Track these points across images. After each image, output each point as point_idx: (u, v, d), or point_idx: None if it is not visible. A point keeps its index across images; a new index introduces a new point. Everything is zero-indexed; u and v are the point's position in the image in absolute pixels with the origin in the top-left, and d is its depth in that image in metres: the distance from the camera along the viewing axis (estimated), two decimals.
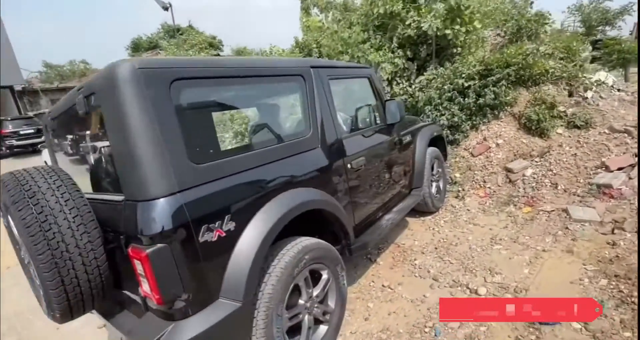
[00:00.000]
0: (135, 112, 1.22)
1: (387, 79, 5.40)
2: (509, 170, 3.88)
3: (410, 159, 3.16)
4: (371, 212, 2.50)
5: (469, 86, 4.51)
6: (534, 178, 3.63)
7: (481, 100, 4.37)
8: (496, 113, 4.50)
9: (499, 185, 3.81)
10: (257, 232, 1.48)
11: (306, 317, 1.78)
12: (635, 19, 12.68)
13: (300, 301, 1.77)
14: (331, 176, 2.05)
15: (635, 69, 7.79)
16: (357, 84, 2.73)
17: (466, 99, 4.49)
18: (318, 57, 7.94)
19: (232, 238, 1.43)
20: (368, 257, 2.96)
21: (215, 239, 1.36)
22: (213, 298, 1.38)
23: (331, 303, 1.96)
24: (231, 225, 1.42)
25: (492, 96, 4.33)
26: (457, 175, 4.22)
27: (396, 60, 5.37)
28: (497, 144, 4.25)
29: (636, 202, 2.88)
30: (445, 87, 4.65)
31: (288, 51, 9.02)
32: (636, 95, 4.30)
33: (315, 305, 1.84)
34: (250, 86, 1.75)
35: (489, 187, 3.85)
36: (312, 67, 2.09)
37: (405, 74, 5.56)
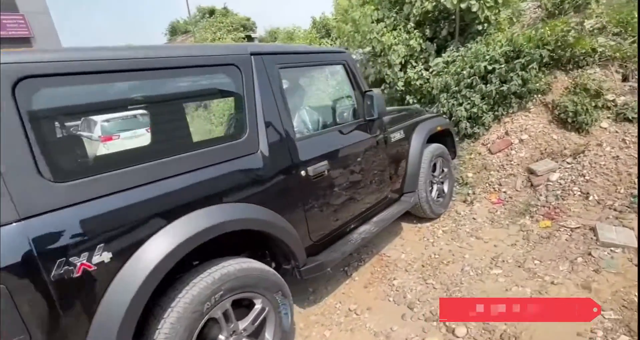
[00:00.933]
0: None
1: (400, 62, 4.80)
2: (531, 172, 3.26)
3: (402, 159, 2.70)
4: (338, 225, 2.14)
5: (493, 70, 3.82)
6: (561, 184, 2.99)
7: (505, 87, 3.69)
8: (523, 102, 3.80)
9: (517, 190, 3.22)
10: (140, 267, 1.21)
11: None
12: None
13: (221, 337, 1.51)
14: (274, 186, 1.72)
15: None
16: (328, 72, 2.32)
17: (488, 85, 3.82)
18: (336, 39, 7.36)
19: (107, 272, 1.18)
20: (344, 269, 2.62)
21: (79, 274, 1.11)
22: None
23: (269, 336, 1.68)
24: (106, 257, 1.16)
25: (520, 82, 3.63)
26: (470, 175, 3.66)
27: (412, 42, 4.73)
28: (521, 140, 3.59)
29: None
30: (465, 71, 3.99)
31: (306, 32, 8.53)
32: None
33: None
34: (150, 82, 1.44)
35: (504, 192, 3.27)
36: (254, 54, 1.71)
37: (422, 56, 4.91)
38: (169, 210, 1.34)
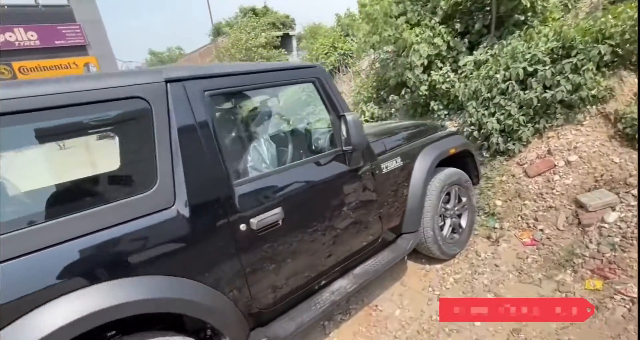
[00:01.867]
0: None
1: (423, 64, 4.16)
2: (580, 205, 2.53)
3: (400, 192, 2.18)
4: (297, 285, 1.71)
5: (534, 73, 3.07)
6: (621, 228, 2.25)
7: (550, 94, 2.93)
8: (573, 113, 3.01)
9: (558, 230, 2.51)
10: None
11: None
12: None
13: None
14: (197, 250, 1.34)
15: None
16: (296, 93, 1.88)
17: (527, 91, 3.09)
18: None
19: None
20: (323, 324, 2.19)
21: None
22: None
23: None
24: None
25: (569, 87, 2.86)
26: (499, 203, 2.99)
27: (436, 39, 4.06)
28: (568, 162, 2.83)
29: None
30: (498, 75, 3.28)
31: (330, 30, 8.05)
32: None
33: None
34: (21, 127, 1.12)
35: (540, 230, 2.58)
36: (170, 81, 1.34)
37: (449, 55, 4.21)
38: (35, 294, 1.03)
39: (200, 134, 1.37)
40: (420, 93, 4.39)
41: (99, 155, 1.44)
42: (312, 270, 1.76)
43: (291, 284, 1.67)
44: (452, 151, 2.45)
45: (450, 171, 2.49)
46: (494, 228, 2.80)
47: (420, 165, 2.26)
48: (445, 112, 4.43)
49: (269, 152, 1.86)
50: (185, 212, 1.31)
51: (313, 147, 1.89)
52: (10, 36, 14.61)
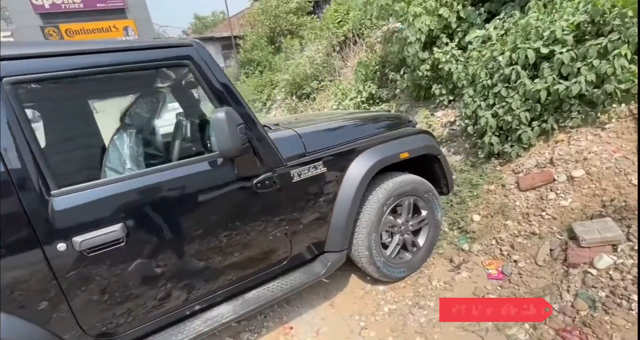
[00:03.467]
0: None
1: (419, 39, 3.46)
2: (572, 237, 1.95)
3: (322, 203, 1.78)
4: (153, 312, 1.43)
5: (549, 55, 2.36)
6: (612, 279, 1.66)
7: (562, 86, 2.24)
8: (594, 113, 2.29)
9: (537, 265, 1.98)
10: None
11: None
12: None
13: None
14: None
15: None
16: (161, 82, 1.48)
17: (536, 80, 2.40)
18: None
19: None
20: None
21: None
22: None
23: None
24: None
25: (592, 78, 2.14)
26: (476, 218, 2.46)
27: (442, 10, 3.32)
28: (571, 177, 2.19)
29: None
30: (502, 57, 2.58)
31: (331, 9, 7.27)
32: None
33: None
34: None
35: (514, 261, 2.06)
36: None
37: (460, 29, 3.46)
38: None
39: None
40: (421, 73, 3.73)
41: None
42: (175, 296, 1.47)
43: (144, 310, 1.41)
44: (404, 156, 1.95)
45: (402, 179, 2.01)
46: (462, 250, 2.31)
47: (354, 172, 1.82)
48: (451, 98, 3.76)
49: (123, 154, 1.52)
50: None
51: (191, 148, 1.53)
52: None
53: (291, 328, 1.99)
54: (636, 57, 2.04)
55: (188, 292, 1.49)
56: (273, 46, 9.93)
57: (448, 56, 3.34)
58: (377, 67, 4.88)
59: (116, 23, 17.04)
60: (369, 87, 4.70)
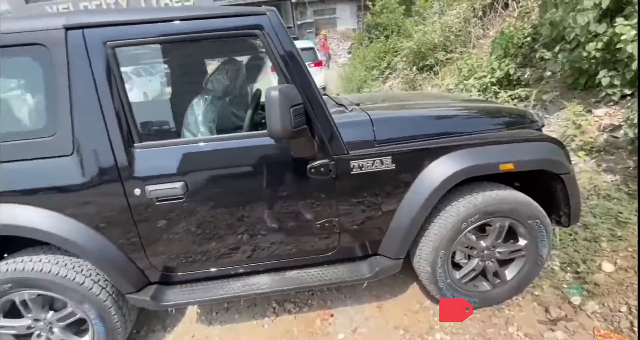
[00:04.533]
0: None
1: (606, 6, 2.47)
2: None
3: (383, 203, 1.56)
4: (206, 264, 1.58)
5: None
6: None
7: None
8: None
9: None
10: None
11: None
12: None
13: None
14: (88, 195, 1.37)
15: None
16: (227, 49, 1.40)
17: None
18: None
19: None
20: (271, 305, 2.05)
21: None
22: None
23: None
24: None
25: None
26: (608, 268, 1.79)
27: None
28: None
29: None
30: None
31: None
32: None
33: None
34: None
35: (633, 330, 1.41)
36: (70, 28, 1.23)
37: None
38: None
39: (98, 88, 1.29)
40: (587, 53, 2.75)
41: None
42: (223, 255, 1.58)
43: (195, 259, 1.58)
44: (507, 167, 1.49)
45: (499, 195, 1.57)
46: (569, 301, 1.73)
47: (430, 176, 1.50)
48: (627, 92, 2.70)
49: (197, 118, 1.60)
50: (81, 160, 1.33)
51: (261, 120, 1.51)
52: None
53: (331, 315, 1.95)
54: None
55: (234, 255, 1.58)
56: (405, 8, 9.01)
57: (635, 32, 2.30)
58: (524, 40, 3.86)
59: None
60: (507, 65, 3.79)
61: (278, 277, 1.65)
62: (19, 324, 1.53)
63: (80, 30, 1.25)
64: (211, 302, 1.65)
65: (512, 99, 3.67)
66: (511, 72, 3.78)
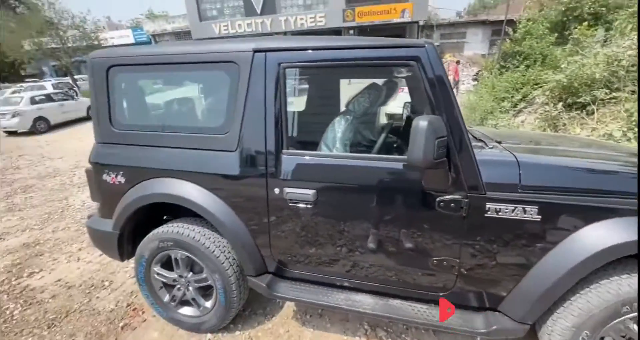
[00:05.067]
0: None
1: None
2: None
3: (516, 255, 1.39)
4: (317, 269, 1.69)
5: None
6: None
7: None
8: None
9: None
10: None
11: None
12: None
13: None
14: (240, 184, 1.63)
15: None
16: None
17: None
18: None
19: None
20: (363, 326, 2.04)
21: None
22: None
23: None
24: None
25: None
26: None
27: None
28: None
29: None
30: None
31: None
32: None
33: None
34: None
35: None
36: (257, 51, 1.50)
37: None
38: None
39: (266, 99, 1.53)
40: None
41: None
42: (334, 265, 1.66)
43: (309, 263, 1.70)
44: None
45: None
46: None
47: (588, 240, 1.26)
48: None
49: (336, 135, 1.69)
50: (242, 157, 1.61)
51: (392, 144, 1.53)
52: None
53: None
54: None
55: (343, 268, 1.65)
56: (557, 35, 7.80)
57: None
58: None
59: (396, 6, 18.60)
60: None
61: (382, 302, 1.64)
62: (169, 276, 1.93)
63: (264, 53, 1.51)
64: (313, 306, 1.75)
65: None
66: None
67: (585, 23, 6.76)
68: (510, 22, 10.92)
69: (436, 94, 1.33)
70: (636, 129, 3.42)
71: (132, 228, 1.96)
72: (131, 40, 23.04)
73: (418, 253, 1.50)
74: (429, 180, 1.38)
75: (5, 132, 10.17)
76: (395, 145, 1.64)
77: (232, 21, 18.99)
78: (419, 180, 1.39)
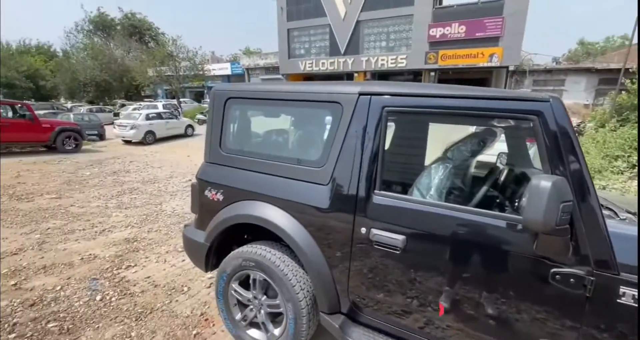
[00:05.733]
0: None
1: None
2: None
3: None
4: (393, 316, 1.58)
5: None
6: None
7: None
8: None
9: None
10: None
11: None
12: None
13: None
14: (329, 217, 1.66)
15: None
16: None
17: None
18: None
19: None
20: None
21: None
22: None
23: None
24: None
25: None
26: None
27: None
28: None
29: None
30: None
31: None
32: None
33: None
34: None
35: None
36: (362, 94, 1.57)
37: None
38: None
39: (365, 140, 1.58)
40: None
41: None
42: (412, 318, 1.54)
43: (387, 312, 1.61)
44: None
45: None
46: None
47: None
48: None
49: (432, 182, 1.62)
50: (333, 191, 1.66)
51: (495, 198, 1.41)
52: (447, 30, 18.49)
53: None
54: None
55: (422, 324, 1.53)
56: None
57: None
58: None
59: (484, 50, 18.12)
60: None
61: None
62: (244, 294, 2.01)
63: (369, 96, 1.59)
64: None
65: None
66: None
67: None
68: (626, 71, 9.70)
69: (559, 153, 1.21)
70: None
71: (219, 242, 2.12)
72: (228, 72, 26.52)
73: (516, 327, 1.31)
74: (543, 246, 1.23)
75: (123, 140, 12.32)
76: (497, 200, 1.52)
77: (316, 59, 20.62)
78: (528, 242, 1.25)
